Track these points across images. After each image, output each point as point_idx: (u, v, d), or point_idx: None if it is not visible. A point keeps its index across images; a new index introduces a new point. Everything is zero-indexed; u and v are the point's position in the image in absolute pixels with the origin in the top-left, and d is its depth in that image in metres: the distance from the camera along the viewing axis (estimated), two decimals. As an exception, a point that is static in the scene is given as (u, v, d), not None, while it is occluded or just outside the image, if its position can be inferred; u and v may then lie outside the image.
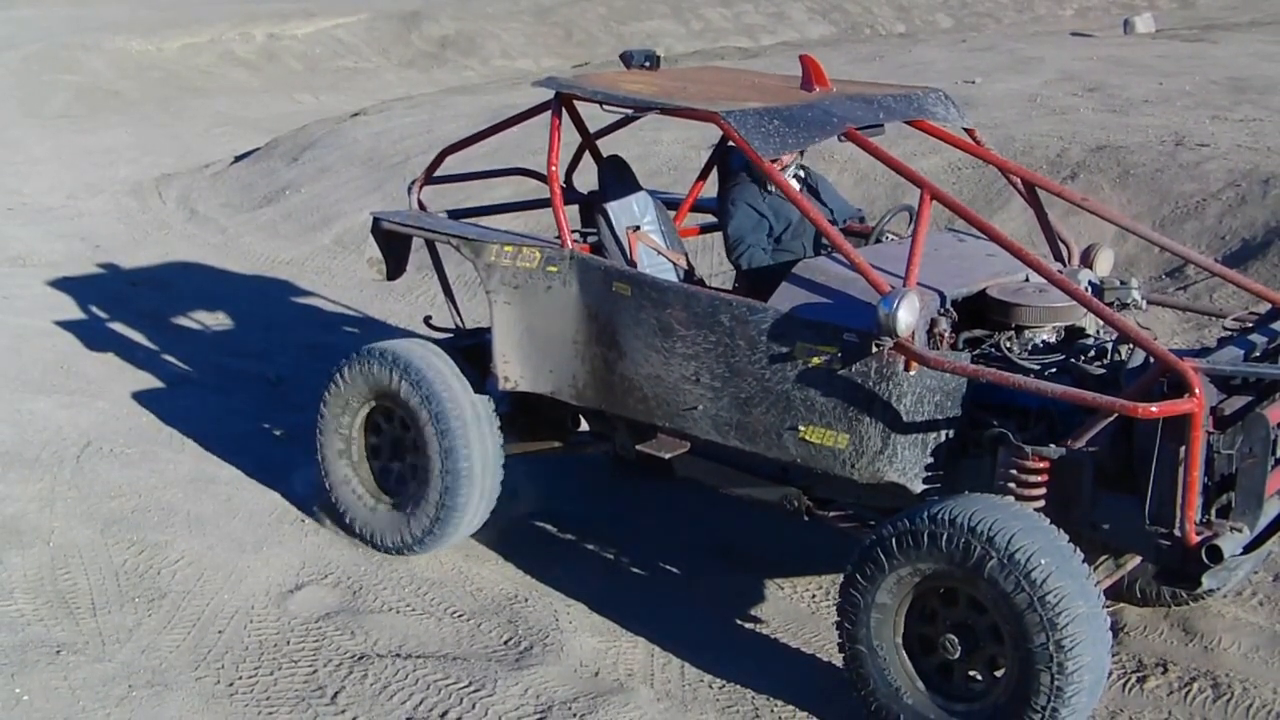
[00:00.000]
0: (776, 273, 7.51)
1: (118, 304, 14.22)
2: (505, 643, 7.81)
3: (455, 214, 9.32)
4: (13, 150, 24.08)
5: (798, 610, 8.33)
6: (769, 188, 8.16)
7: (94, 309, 13.95)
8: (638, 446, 8.15)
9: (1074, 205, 8.19)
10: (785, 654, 7.87)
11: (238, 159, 22.09)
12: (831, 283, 7.08)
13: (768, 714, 7.18)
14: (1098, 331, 7.45)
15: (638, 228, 8.51)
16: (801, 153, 8.37)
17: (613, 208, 8.51)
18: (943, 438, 6.89)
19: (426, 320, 9.59)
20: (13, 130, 26.28)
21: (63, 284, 14.89)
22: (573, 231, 8.27)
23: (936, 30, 42.94)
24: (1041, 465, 6.60)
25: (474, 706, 7.06)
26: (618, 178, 8.79)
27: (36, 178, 21.49)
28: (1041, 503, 6.58)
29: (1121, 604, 7.96)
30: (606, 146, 9.51)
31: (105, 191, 20.64)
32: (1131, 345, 6.69)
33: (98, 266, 16.01)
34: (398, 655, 7.55)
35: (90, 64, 33.02)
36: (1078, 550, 6.24)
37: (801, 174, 8.57)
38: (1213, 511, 6.40)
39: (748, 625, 8.18)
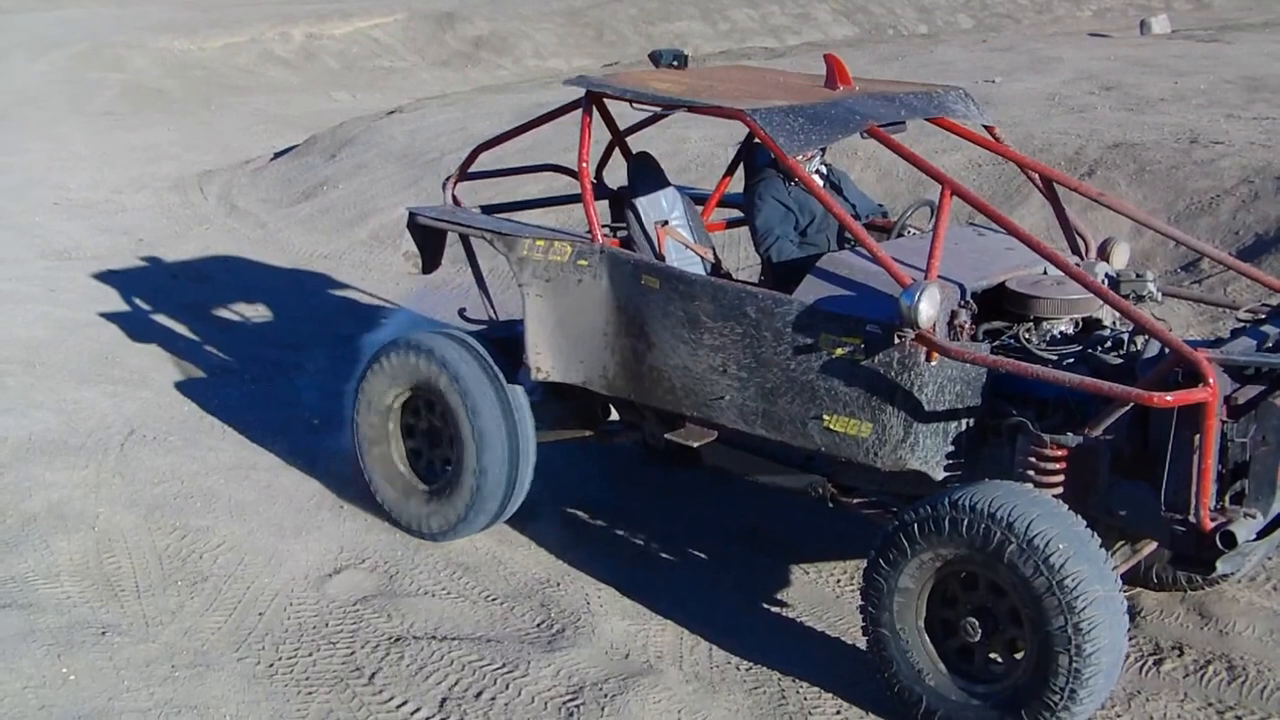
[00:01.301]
0: (801, 266, 7.51)
1: (160, 296, 14.25)
2: (538, 625, 7.83)
3: (488, 209, 9.33)
4: (59, 146, 24.14)
5: (822, 594, 8.34)
6: (794, 182, 8.16)
7: (137, 301, 13.99)
8: (666, 435, 8.15)
9: (1091, 201, 8.18)
10: (811, 637, 7.88)
11: (277, 155, 22.13)
12: (855, 276, 7.09)
13: (794, 695, 7.19)
14: (1114, 323, 7.45)
15: (666, 222, 8.51)
16: (824, 150, 8.38)
17: (641, 203, 8.51)
18: (963, 426, 6.90)
19: (461, 312, 9.59)
20: (60, 127, 26.35)
21: (107, 277, 14.93)
22: (603, 226, 8.27)
23: (958, 31, 42.85)
24: (1059, 453, 6.61)
25: (508, 687, 7.08)
26: (646, 174, 8.79)
27: (82, 173, 21.53)
28: (1060, 489, 6.60)
29: (1138, 588, 7.96)
30: (636, 143, 9.51)
31: (148, 187, 20.67)
32: (1147, 336, 6.68)
33: (141, 260, 16.05)
34: (433, 637, 7.57)
35: (134, 63, 33.10)
36: (1095, 535, 6.25)
37: (824, 170, 8.57)
38: (1227, 498, 6.41)
39: (774, 609, 8.19)
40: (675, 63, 8.94)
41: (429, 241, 9.16)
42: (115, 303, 13.91)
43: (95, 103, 29.63)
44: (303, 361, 12.22)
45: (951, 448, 6.91)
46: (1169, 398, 6.15)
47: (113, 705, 6.65)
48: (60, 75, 31.43)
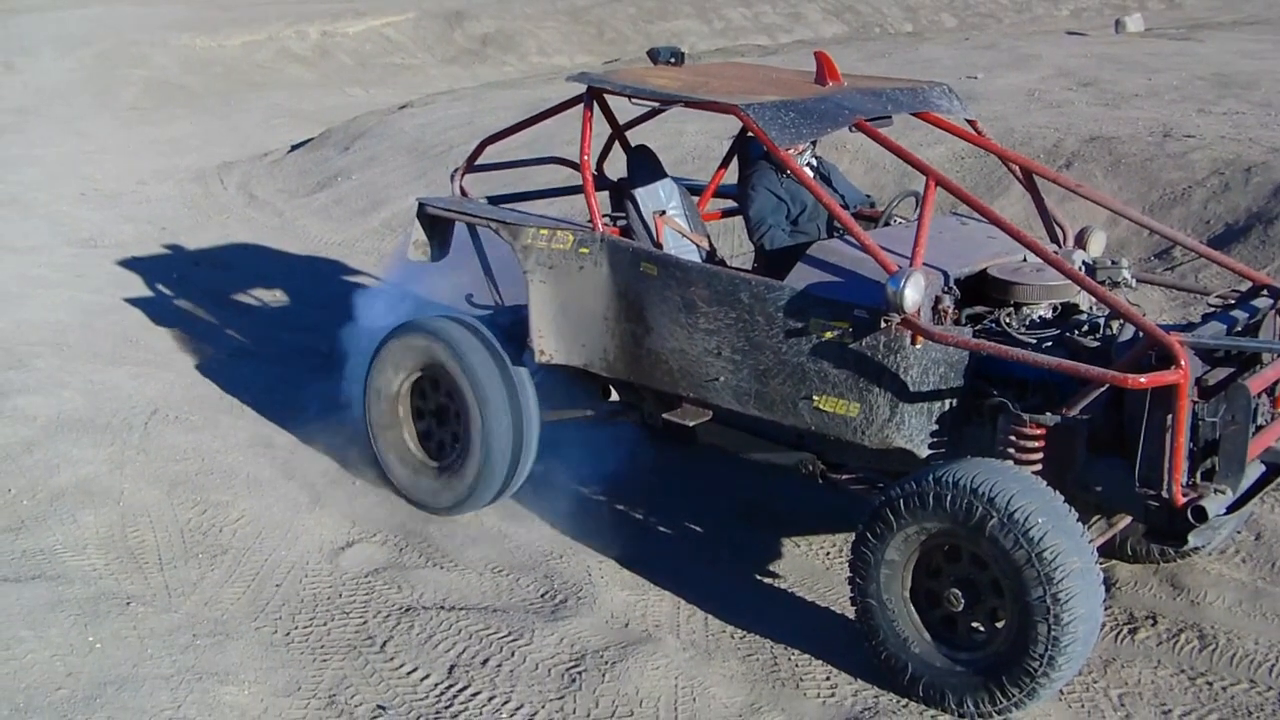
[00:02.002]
0: (792, 253, 7.51)
1: (182, 282, 14.23)
2: (542, 596, 7.83)
3: (495, 200, 9.32)
4: (86, 140, 24.11)
5: (813, 566, 8.33)
6: (786, 173, 8.15)
7: (160, 287, 13.97)
8: (664, 415, 8.17)
9: (1069, 191, 8.17)
10: (801, 607, 7.88)
11: (293, 148, 22.11)
12: (843, 263, 7.09)
13: (785, 662, 7.19)
14: (1091, 308, 7.45)
15: (663, 212, 8.51)
16: (815, 143, 8.37)
17: (640, 194, 8.51)
18: (946, 406, 6.90)
19: (468, 298, 9.58)
20: (86, 121, 26.31)
21: (131, 263, 14.90)
22: (603, 216, 8.26)
23: (941, 29, 42.78)
24: (1038, 432, 6.61)
25: (513, 654, 7.08)
26: (645, 166, 8.78)
27: (108, 165, 21.48)
28: (1039, 466, 6.60)
29: (1114, 561, 7.97)
30: (635, 137, 9.49)
31: (171, 178, 20.64)
32: (1122, 320, 6.69)
33: (163, 247, 16.01)
34: (442, 607, 7.57)
35: (157, 60, 33.02)
36: (1072, 510, 6.26)
37: (814, 162, 8.56)
38: (1198, 475, 6.41)
39: (767, 580, 8.19)
40: (672, 59, 8.92)
41: (438, 231, 9.14)
42: (139, 288, 13.90)
43: (120, 98, 29.59)
44: (317, 344, 12.20)
45: (935, 427, 6.91)
46: (1143, 379, 6.16)
47: (137, 672, 6.65)
48: (86, 72, 31.35)
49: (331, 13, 38.86)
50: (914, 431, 6.90)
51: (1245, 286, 7.53)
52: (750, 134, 8.13)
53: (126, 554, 7.94)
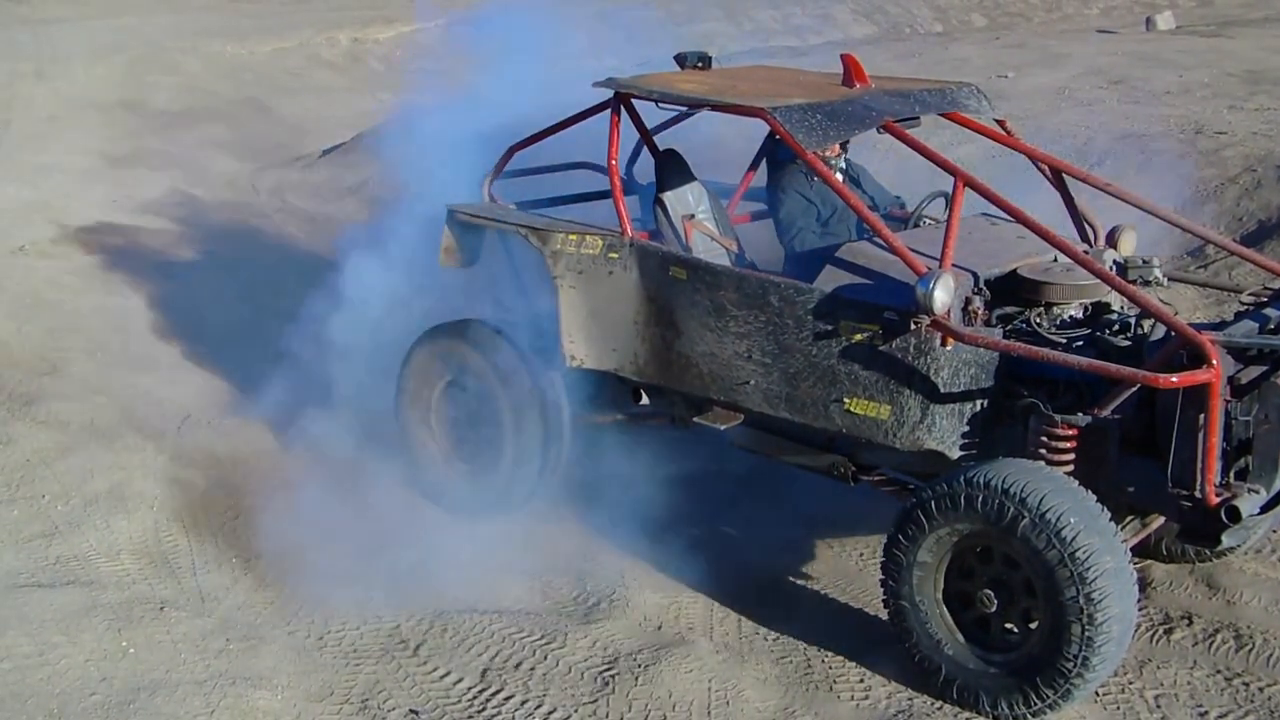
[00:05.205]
0: (822, 256, 7.51)
1: (214, 287, 14.24)
2: (574, 599, 7.84)
3: (523, 205, 9.32)
4: (117, 146, 24.14)
5: (846, 568, 8.32)
6: (815, 175, 8.14)
7: (192, 292, 13.96)
8: (694, 418, 8.18)
9: (1099, 190, 8.14)
10: (834, 609, 7.87)
11: (325, 153, 22.14)
12: (872, 265, 7.09)
13: (819, 664, 7.18)
14: (1122, 307, 7.42)
15: (693, 216, 8.50)
16: (845, 146, 8.37)
17: (669, 198, 8.50)
18: (977, 408, 6.89)
19: (498, 304, 9.57)
20: (117, 128, 26.36)
21: (163, 269, 14.91)
22: (632, 220, 8.26)
23: (971, 29, 42.63)
24: (1070, 432, 6.60)
25: (546, 658, 7.10)
26: (674, 170, 8.77)
27: (139, 172, 21.51)
28: (1070, 467, 6.58)
29: (1148, 561, 7.94)
30: (663, 141, 9.48)
31: (203, 184, 20.67)
32: (1153, 320, 6.67)
33: (196, 253, 16.04)
34: (474, 611, 7.58)
35: (189, 67, 33.09)
36: (1105, 510, 6.25)
37: (843, 165, 8.55)
38: (1231, 474, 6.40)
39: (799, 582, 8.17)
40: (699, 63, 8.92)
41: (467, 237, 9.14)
42: (171, 294, 13.89)
43: (151, 105, 29.67)
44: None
45: (966, 428, 6.90)
46: (1174, 379, 6.14)
47: (170, 677, 6.69)
48: (118, 79, 31.42)
49: (362, 19, 38.94)
50: (945, 433, 6.89)
51: (1278, 284, 7.50)
52: (778, 137, 8.12)
53: (160, 559, 7.98)
